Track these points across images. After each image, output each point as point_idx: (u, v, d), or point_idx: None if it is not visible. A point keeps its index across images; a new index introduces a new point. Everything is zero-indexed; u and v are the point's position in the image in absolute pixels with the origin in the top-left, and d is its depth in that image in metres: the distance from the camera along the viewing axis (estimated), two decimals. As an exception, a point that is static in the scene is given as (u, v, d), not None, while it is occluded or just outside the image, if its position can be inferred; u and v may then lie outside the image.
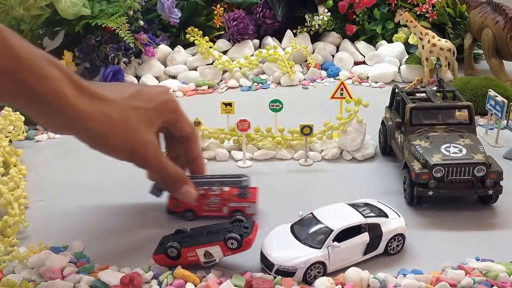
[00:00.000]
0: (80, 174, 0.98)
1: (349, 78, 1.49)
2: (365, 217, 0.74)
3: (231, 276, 0.70)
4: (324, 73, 1.52)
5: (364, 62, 1.56)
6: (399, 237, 0.76)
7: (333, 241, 0.71)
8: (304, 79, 1.49)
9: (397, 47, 1.53)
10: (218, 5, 1.58)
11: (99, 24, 1.34)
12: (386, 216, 0.76)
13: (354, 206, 0.77)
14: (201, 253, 0.72)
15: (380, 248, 0.75)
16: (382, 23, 1.59)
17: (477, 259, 0.74)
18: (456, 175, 0.83)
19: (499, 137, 1.09)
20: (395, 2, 1.59)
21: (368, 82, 1.47)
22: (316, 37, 1.62)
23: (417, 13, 1.56)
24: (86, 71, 1.44)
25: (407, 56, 1.49)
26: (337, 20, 1.61)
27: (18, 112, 1.09)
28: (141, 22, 1.46)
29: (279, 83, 1.47)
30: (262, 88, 1.44)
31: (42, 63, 0.63)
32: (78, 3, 1.31)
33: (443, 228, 0.83)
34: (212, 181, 0.85)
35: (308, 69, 1.50)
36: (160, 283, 0.70)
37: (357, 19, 1.59)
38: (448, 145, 0.87)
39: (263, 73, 1.51)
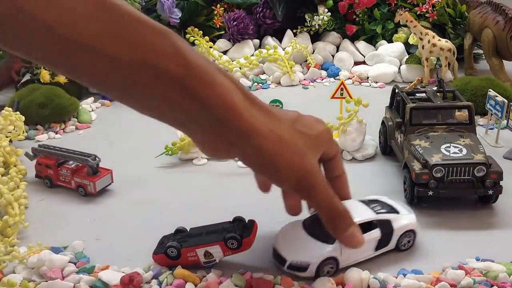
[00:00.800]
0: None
1: (349, 78, 1.49)
2: (376, 213, 0.74)
3: (231, 276, 0.70)
4: (324, 73, 1.52)
5: (364, 62, 1.56)
6: (410, 233, 0.76)
7: None
8: (304, 79, 1.49)
9: (397, 47, 1.53)
10: (218, 5, 1.58)
11: (99, 24, 1.34)
12: (397, 212, 0.76)
13: (365, 202, 0.77)
14: (201, 253, 0.72)
15: (392, 244, 0.75)
16: (382, 23, 1.59)
17: (477, 259, 0.74)
18: (456, 175, 0.83)
19: (499, 137, 1.09)
20: (395, 2, 1.59)
21: (368, 82, 1.47)
22: (316, 37, 1.62)
23: (417, 13, 1.56)
24: (86, 71, 1.44)
25: (407, 56, 1.49)
26: (337, 20, 1.61)
27: (18, 112, 1.09)
28: (141, 22, 1.46)
29: (279, 83, 1.47)
30: (262, 88, 1.44)
31: (213, 71, 0.56)
32: (78, 3, 1.31)
33: (443, 228, 0.83)
34: (63, 154, 0.94)
35: (308, 69, 1.50)
36: (160, 283, 0.70)
37: (357, 19, 1.59)
38: (448, 145, 0.87)
39: (263, 73, 1.51)
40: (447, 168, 0.83)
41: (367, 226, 0.72)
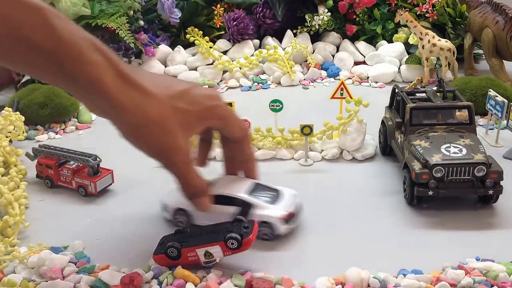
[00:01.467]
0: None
1: (349, 78, 1.49)
2: (248, 194, 0.79)
3: (231, 276, 0.70)
4: (324, 73, 1.52)
5: (364, 62, 1.56)
6: (267, 225, 0.78)
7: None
8: (304, 79, 1.49)
9: (397, 47, 1.53)
10: (218, 5, 1.58)
11: (99, 24, 1.35)
12: (271, 203, 0.79)
13: (257, 184, 0.81)
14: (201, 253, 0.72)
15: None
16: (382, 23, 1.59)
17: (477, 259, 0.74)
18: (456, 175, 0.83)
19: (499, 137, 1.09)
20: (395, 2, 1.59)
21: (368, 82, 1.47)
22: (316, 37, 1.62)
23: (417, 13, 1.56)
24: (86, 71, 1.44)
25: (407, 56, 1.49)
26: (337, 20, 1.61)
27: (18, 112, 1.09)
28: (141, 22, 1.46)
29: (279, 83, 1.47)
30: (262, 88, 1.44)
31: (84, 47, 0.61)
32: (78, 3, 1.31)
33: (443, 228, 0.83)
34: (64, 154, 0.94)
35: (308, 69, 1.50)
36: (160, 283, 0.70)
37: (357, 19, 1.59)
38: (448, 145, 0.87)
39: (263, 73, 1.51)
40: (447, 168, 0.83)
41: (227, 200, 0.78)
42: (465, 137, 0.89)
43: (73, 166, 0.94)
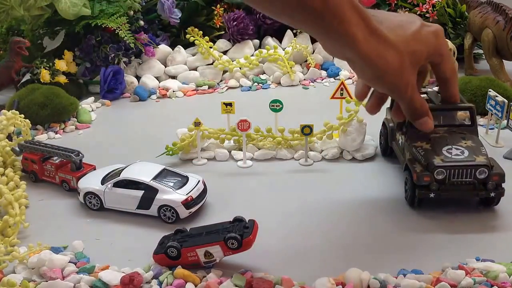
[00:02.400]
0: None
1: (349, 78, 1.49)
2: (152, 179, 0.85)
3: (231, 276, 0.70)
4: (324, 73, 1.52)
5: (364, 62, 1.56)
6: (169, 209, 0.84)
7: (114, 185, 0.86)
8: (304, 79, 1.49)
9: (397, 47, 1.53)
10: (218, 5, 1.58)
11: (99, 24, 1.35)
12: (173, 188, 0.85)
13: (167, 171, 0.89)
14: (201, 253, 0.72)
15: (152, 211, 0.85)
16: (382, 23, 1.59)
17: (478, 259, 0.74)
18: (458, 177, 0.83)
19: (499, 137, 1.09)
20: (396, 2, 1.59)
21: (368, 82, 1.47)
22: (316, 37, 1.62)
23: (418, 13, 1.56)
24: (87, 71, 1.44)
25: (407, 56, 1.49)
26: (337, 20, 1.61)
27: (22, 115, 1.08)
28: (141, 22, 1.46)
29: (279, 83, 1.47)
30: (263, 88, 1.44)
31: (345, 8, 0.69)
32: (79, 4, 1.31)
33: (443, 228, 0.83)
34: (48, 149, 0.97)
35: (308, 69, 1.50)
36: (160, 283, 0.70)
37: (357, 19, 1.59)
38: (450, 147, 0.86)
39: (263, 73, 1.51)
40: (449, 170, 0.83)
41: (133, 185, 0.85)
42: (467, 139, 0.88)
43: (56, 161, 0.97)
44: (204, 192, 0.88)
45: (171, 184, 0.86)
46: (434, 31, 0.81)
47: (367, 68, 0.75)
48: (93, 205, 0.88)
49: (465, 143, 0.86)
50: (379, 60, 0.74)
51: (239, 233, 0.71)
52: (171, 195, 0.84)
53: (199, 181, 0.88)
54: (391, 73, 0.76)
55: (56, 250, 0.77)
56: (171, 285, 0.70)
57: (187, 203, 0.84)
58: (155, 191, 0.84)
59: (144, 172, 0.87)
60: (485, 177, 0.82)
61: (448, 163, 0.83)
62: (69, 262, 0.74)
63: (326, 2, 0.68)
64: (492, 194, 0.83)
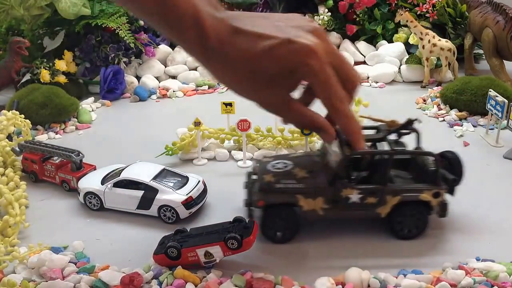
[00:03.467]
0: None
1: (349, 78, 1.49)
2: (152, 180, 0.85)
3: (231, 276, 0.70)
4: (324, 73, 1.52)
5: (364, 62, 1.56)
6: (170, 209, 0.83)
7: (114, 185, 0.86)
8: (305, 79, 1.48)
9: (398, 47, 1.53)
10: (218, 5, 1.58)
11: (99, 24, 1.35)
12: (173, 188, 0.85)
13: (166, 171, 0.89)
14: (202, 253, 0.71)
15: (153, 211, 0.85)
16: (383, 23, 1.59)
17: (478, 259, 0.74)
18: None
19: (500, 137, 1.09)
20: (396, 2, 1.59)
21: (368, 82, 1.47)
22: (316, 37, 1.62)
23: (418, 13, 1.56)
24: (87, 71, 1.44)
25: (407, 56, 1.49)
26: (338, 20, 1.61)
27: (23, 116, 1.08)
28: (141, 22, 1.46)
29: (279, 83, 1.46)
30: (263, 88, 1.44)
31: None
32: (78, 3, 1.31)
33: (444, 228, 0.83)
34: (48, 149, 0.97)
35: (309, 69, 1.50)
36: (160, 283, 0.70)
37: (357, 19, 1.59)
38: None
39: (264, 73, 1.51)
40: None
41: (133, 185, 0.85)
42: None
43: (56, 161, 0.97)
44: (204, 192, 0.88)
45: (171, 184, 0.86)
46: (298, 50, 0.65)
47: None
48: (93, 205, 0.88)
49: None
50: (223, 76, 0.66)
51: (239, 233, 0.71)
52: (171, 195, 0.84)
53: (199, 181, 0.88)
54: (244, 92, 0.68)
55: (56, 250, 0.77)
56: (171, 285, 0.69)
57: (187, 203, 0.84)
58: (155, 191, 0.84)
59: (144, 172, 0.87)
60: None
61: None
62: (69, 262, 0.74)
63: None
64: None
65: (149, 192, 0.85)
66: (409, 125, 0.84)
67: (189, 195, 0.84)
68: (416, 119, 0.83)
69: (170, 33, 0.63)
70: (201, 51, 0.63)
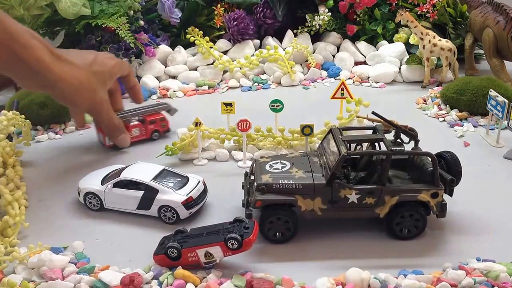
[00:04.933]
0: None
1: (349, 78, 1.49)
2: (152, 180, 0.85)
3: (231, 276, 0.70)
4: (324, 73, 1.52)
5: (364, 62, 1.56)
6: (170, 209, 0.84)
7: (114, 186, 0.87)
8: (305, 79, 1.49)
9: (398, 47, 1.53)
10: (219, 5, 1.58)
11: (99, 24, 1.34)
12: (173, 188, 0.85)
13: (167, 172, 0.89)
14: (202, 254, 0.71)
15: (153, 211, 0.85)
16: (383, 23, 1.59)
17: (478, 260, 0.74)
18: None
19: (500, 137, 1.09)
20: (396, 2, 1.59)
21: (368, 82, 1.47)
22: (316, 37, 1.62)
23: (418, 13, 1.56)
24: (87, 71, 1.44)
25: (407, 56, 1.49)
26: (338, 20, 1.61)
27: (23, 116, 1.08)
28: (142, 22, 1.46)
29: (279, 83, 1.47)
30: (263, 88, 1.44)
31: (27, 36, 0.83)
32: (78, 3, 1.31)
33: (444, 229, 0.82)
34: (137, 112, 1.12)
35: (309, 69, 1.50)
36: (160, 284, 0.70)
37: (357, 19, 1.59)
38: None
39: (264, 73, 1.51)
40: None
41: (134, 185, 0.86)
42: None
43: (135, 122, 1.11)
44: (204, 192, 0.88)
45: (171, 184, 0.86)
46: (109, 56, 1.02)
47: (63, 88, 0.89)
48: (93, 206, 0.88)
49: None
50: (71, 79, 0.89)
51: (240, 233, 0.71)
52: (171, 195, 0.84)
53: (199, 181, 0.88)
54: (84, 89, 0.92)
55: (56, 250, 0.77)
56: (171, 285, 0.69)
57: (187, 204, 0.84)
58: (155, 191, 0.84)
59: (144, 172, 0.87)
60: None
61: None
62: (69, 262, 0.74)
63: (6, 31, 0.80)
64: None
65: (149, 192, 0.84)
66: (407, 134, 0.85)
67: (189, 195, 0.84)
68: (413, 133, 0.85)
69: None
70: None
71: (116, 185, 0.86)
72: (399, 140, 0.85)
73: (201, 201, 0.86)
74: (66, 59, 0.89)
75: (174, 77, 1.49)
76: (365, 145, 0.88)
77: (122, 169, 0.89)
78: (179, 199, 0.83)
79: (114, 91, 1.08)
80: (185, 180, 0.88)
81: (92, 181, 0.89)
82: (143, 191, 0.85)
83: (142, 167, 0.90)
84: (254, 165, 0.86)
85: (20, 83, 0.90)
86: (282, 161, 0.84)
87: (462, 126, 1.18)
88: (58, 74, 0.87)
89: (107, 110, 0.99)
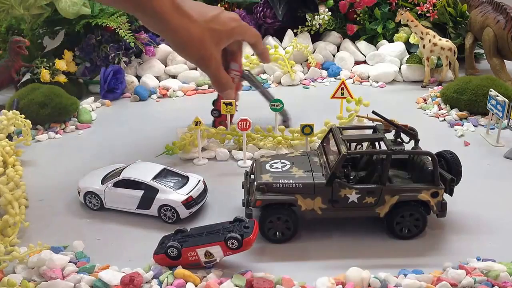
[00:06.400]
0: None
1: (349, 78, 1.49)
2: (152, 179, 0.85)
3: (231, 276, 0.70)
4: (324, 72, 1.52)
5: (365, 62, 1.56)
6: (170, 209, 0.84)
7: (114, 185, 0.86)
8: (305, 79, 1.49)
9: (398, 46, 1.53)
10: (219, 5, 1.58)
11: (99, 23, 1.34)
12: (173, 188, 0.85)
13: (167, 171, 0.89)
14: (202, 253, 0.71)
15: (153, 210, 0.85)
16: (383, 22, 1.59)
17: (478, 259, 0.74)
18: None
19: (500, 136, 1.09)
20: (396, 1, 1.59)
21: (368, 81, 1.47)
22: (316, 36, 1.62)
23: (418, 13, 1.56)
24: (87, 71, 1.44)
25: (408, 56, 1.49)
26: (338, 20, 1.61)
27: (23, 115, 1.08)
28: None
29: (279, 83, 1.47)
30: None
31: None
32: (78, 3, 1.31)
33: (444, 228, 0.82)
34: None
35: (309, 69, 1.50)
36: (160, 283, 0.70)
37: (358, 19, 1.59)
38: None
39: (264, 72, 1.51)
40: None
41: (134, 185, 0.85)
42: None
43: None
44: (204, 192, 0.88)
45: (171, 184, 0.86)
46: (232, 17, 1.01)
47: (175, 38, 0.93)
48: (93, 205, 0.88)
49: None
50: (183, 31, 0.92)
51: (240, 233, 0.71)
52: (171, 195, 0.84)
53: (199, 181, 0.88)
54: (195, 43, 0.94)
55: (56, 249, 0.76)
56: (171, 285, 0.69)
57: (188, 203, 0.84)
58: (155, 191, 0.84)
59: (144, 172, 0.87)
60: None
61: None
62: (69, 262, 0.74)
63: None
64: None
65: (149, 192, 0.85)
66: (407, 133, 0.85)
67: (189, 194, 0.84)
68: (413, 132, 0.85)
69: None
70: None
71: (116, 184, 0.86)
72: (399, 140, 0.84)
73: (201, 201, 0.86)
74: (185, 12, 0.91)
75: (174, 77, 1.49)
76: (365, 144, 0.88)
77: (122, 169, 0.89)
78: (179, 199, 0.83)
79: (234, 52, 1.08)
80: (185, 179, 0.88)
81: (92, 181, 0.89)
82: (143, 191, 0.85)
83: (142, 167, 0.90)
84: (254, 164, 0.86)
85: (140, 20, 0.93)
86: (282, 161, 0.84)
87: (462, 125, 1.18)
88: (172, 25, 0.90)
89: (215, 67, 0.99)
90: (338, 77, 1.50)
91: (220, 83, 1.02)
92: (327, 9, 1.57)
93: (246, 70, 1.16)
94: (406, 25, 1.48)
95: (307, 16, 1.57)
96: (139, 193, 0.85)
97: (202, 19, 0.95)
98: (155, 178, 0.86)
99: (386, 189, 0.77)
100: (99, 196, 0.87)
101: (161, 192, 0.84)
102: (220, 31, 0.97)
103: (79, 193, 0.89)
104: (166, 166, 0.90)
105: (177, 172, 0.90)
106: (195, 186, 0.86)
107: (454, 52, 1.38)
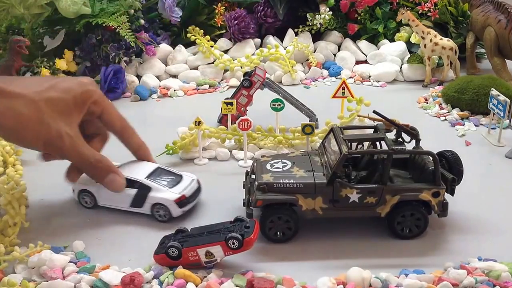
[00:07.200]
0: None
1: (350, 77, 1.49)
2: (146, 178, 0.85)
3: (232, 276, 0.70)
4: (325, 72, 1.52)
5: (366, 61, 1.55)
6: (163, 207, 0.84)
7: None
8: (306, 78, 1.48)
9: (399, 46, 1.53)
10: (219, 4, 1.58)
11: (99, 23, 1.34)
12: (166, 186, 0.85)
13: (160, 170, 0.88)
14: (202, 253, 0.71)
15: (145, 209, 0.85)
16: (384, 22, 1.59)
17: (480, 259, 0.73)
18: None
19: (502, 136, 1.09)
20: (397, 1, 1.59)
21: (370, 81, 1.47)
22: (317, 36, 1.62)
23: (419, 12, 1.56)
24: (87, 70, 1.44)
25: (409, 55, 1.49)
26: (339, 19, 1.60)
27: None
28: (142, 21, 1.46)
29: (280, 82, 1.46)
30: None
31: None
32: (79, 2, 1.31)
33: (445, 228, 0.82)
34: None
35: (310, 68, 1.50)
36: (161, 283, 0.70)
37: (359, 18, 1.59)
38: None
39: (265, 72, 1.51)
40: None
41: (127, 183, 0.84)
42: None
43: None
44: (198, 191, 0.88)
45: (165, 182, 0.86)
46: (77, 81, 0.79)
47: (1, 124, 0.71)
48: (87, 203, 0.88)
49: None
50: (7, 112, 0.71)
51: (240, 233, 0.71)
52: (164, 193, 0.84)
53: (193, 180, 0.88)
54: (29, 123, 0.72)
55: (56, 249, 0.76)
56: (171, 285, 0.69)
57: (180, 202, 0.83)
58: (148, 189, 0.84)
59: (138, 170, 0.87)
60: None
61: None
62: (70, 262, 0.74)
63: None
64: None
65: (143, 190, 0.84)
66: (408, 133, 0.85)
67: (182, 193, 0.84)
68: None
69: None
70: None
71: None
72: (400, 139, 0.84)
73: (194, 200, 0.86)
74: (4, 91, 0.72)
75: (175, 76, 1.49)
76: (366, 144, 0.87)
77: (117, 167, 0.89)
78: (172, 197, 0.83)
79: (133, 146, 0.89)
80: (179, 178, 0.88)
81: (86, 179, 0.89)
82: (137, 189, 0.85)
83: (137, 165, 0.89)
84: (255, 164, 0.85)
85: None
86: (283, 161, 0.84)
87: (463, 125, 1.17)
88: None
89: (70, 145, 0.77)
90: (339, 76, 1.49)
91: (91, 166, 0.80)
92: (328, 9, 1.57)
93: (267, 78, 1.14)
94: (407, 25, 1.48)
95: (308, 16, 1.57)
96: (133, 191, 0.85)
97: (32, 90, 0.74)
98: (149, 176, 0.86)
99: (387, 189, 0.77)
100: (93, 194, 0.87)
101: (154, 191, 0.84)
102: (63, 99, 0.76)
103: (73, 191, 0.89)
104: (160, 165, 0.90)
105: (171, 171, 0.89)
106: (189, 185, 0.86)
107: (455, 52, 1.38)
